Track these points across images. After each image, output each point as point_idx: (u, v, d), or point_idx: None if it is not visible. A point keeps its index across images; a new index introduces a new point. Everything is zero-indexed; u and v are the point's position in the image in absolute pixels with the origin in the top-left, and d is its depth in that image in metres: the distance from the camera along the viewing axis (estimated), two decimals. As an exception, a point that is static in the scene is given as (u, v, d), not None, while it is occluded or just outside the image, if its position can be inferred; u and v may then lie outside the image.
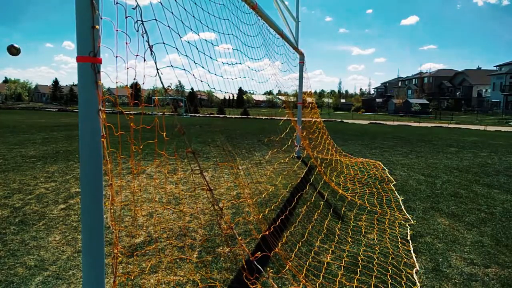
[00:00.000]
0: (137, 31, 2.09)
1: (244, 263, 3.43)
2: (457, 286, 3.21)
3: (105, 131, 2.08)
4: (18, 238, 4.07)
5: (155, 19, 2.23)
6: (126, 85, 2.20)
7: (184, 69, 2.69)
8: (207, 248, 3.90)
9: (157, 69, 2.19)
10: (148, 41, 2.12)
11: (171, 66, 2.49)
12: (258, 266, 2.90)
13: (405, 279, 3.30)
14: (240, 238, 3.96)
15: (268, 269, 3.43)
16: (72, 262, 3.49)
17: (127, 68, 2.22)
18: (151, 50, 2.13)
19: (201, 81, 3.07)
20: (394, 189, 6.72)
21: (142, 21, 2.09)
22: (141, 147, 2.76)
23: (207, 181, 2.67)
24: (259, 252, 3.15)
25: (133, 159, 3.05)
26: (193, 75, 2.84)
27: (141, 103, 2.66)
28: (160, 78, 2.21)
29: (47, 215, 4.83)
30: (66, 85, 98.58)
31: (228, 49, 4.22)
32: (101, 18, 2.01)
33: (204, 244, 4.00)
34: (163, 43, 2.35)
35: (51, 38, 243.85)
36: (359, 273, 3.40)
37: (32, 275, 3.25)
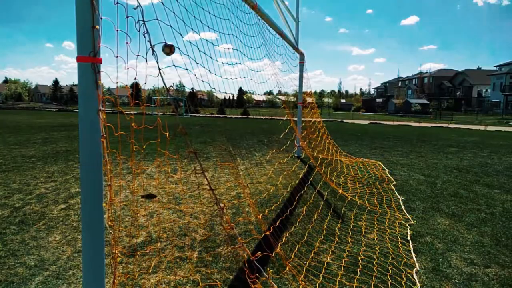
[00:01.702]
0: (139, 31, 2.09)
1: (245, 262, 3.43)
2: (457, 286, 3.21)
3: (105, 131, 2.08)
4: (18, 238, 4.07)
5: (157, 19, 2.23)
6: (126, 85, 2.20)
7: (186, 69, 2.69)
8: (207, 248, 3.90)
9: (159, 69, 2.19)
10: (150, 41, 2.12)
11: (174, 66, 2.48)
12: (258, 265, 2.90)
13: (405, 279, 3.30)
14: (240, 238, 3.96)
15: (268, 269, 3.43)
16: (72, 262, 3.49)
17: (127, 68, 2.22)
18: (152, 50, 2.13)
19: (203, 81, 3.07)
20: (394, 189, 6.72)
21: (143, 20, 2.08)
22: (144, 147, 2.76)
23: (209, 181, 2.67)
24: (260, 252, 3.15)
25: (133, 159, 3.05)
26: (195, 75, 2.84)
27: (142, 103, 2.66)
28: (162, 78, 2.21)
29: (47, 215, 4.83)
30: (66, 85, 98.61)
31: (228, 49, 4.22)
32: (101, 18, 2.01)
33: (204, 244, 4.00)
34: (165, 42, 2.35)
35: (51, 38, 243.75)
36: (359, 273, 3.40)
37: (32, 275, 3.25)
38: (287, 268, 3.34)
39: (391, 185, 7.03)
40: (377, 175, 7.89)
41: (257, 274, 3.06)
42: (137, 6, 2.05)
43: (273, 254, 3.68)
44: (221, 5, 3.90)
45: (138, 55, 2.17)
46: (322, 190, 6.52)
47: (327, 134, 11.25)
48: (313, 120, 11.10)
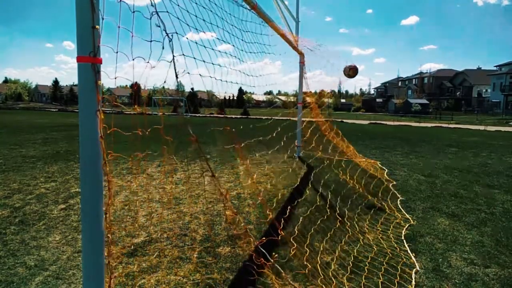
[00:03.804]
0: (150, 18, 2.15)
1: (252, 246, 3.44)
2: (457, 286, 3.21)
3: (104, 132, 2.08)
4: (18, 238, 4.07)
5: (167, 11, 2.29)
6: (127, 85, 2.21)
7: (194, 57, 2.72)
8: (207, 248, 3.90)
9: (174, 56, 2.24)
10: (165, 30, 2.18)
11: (183, 54, 2.51)
12: (263, 250, 2.91)
13: (405, 279, 3.30)
14: (243, 224, 3.96)
15: (273, 254, 3.43)
16: (72, 262, 3.49)
17: (133, 59, 2.23)
18: (169, 38, 2.19)
19: (217, 79, 3.07)
20: (394, 189, 6.72)
21: (157, 12, 2.14)
22: (145, 151, 2.76)
23: (210, 166, 2.67)
24: (264, 238, 3.16)
25: (135, 159, 3.05)
26: (205, 71, 2.83)
27: (144, 102, 2.66)
28: (174, 64, 2.27)
29: (47, 215, 4.83)
30: (66, 85, 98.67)
31: (228, 49, 4.22)
32: (103, 19, 2.01)
33: (204, 244, 4.00)
34: (176, 33, 2.37)
35: (51, 38, 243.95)
36: (359, 273, 3.40)
37: (32, 275, 3.25)
38: (293, 252, 3.33)
39: (391, 185, 7.03)
40: (377, 175, 7.89)
41: (262, 259, 3.05)
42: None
43: (279, 238, 3.68)
44: (221, 5, 3.90)
45: (151, 41, 2.20)
46: (322, 190, 6.52)
47: (329, 131, 11.22)
48: (325, 120, 11.07)
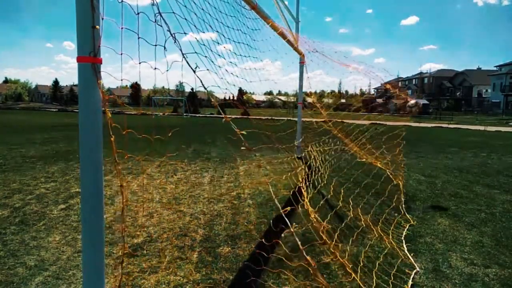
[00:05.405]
0: (155, 21, 2.17)
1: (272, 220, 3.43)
2: (457, 286, 3.21)
3: (113, 131, 2.08)
4: (18, 238, 4.07)
5: (173, 12, 2.29)
6: (126, 85, 2.22)
7: (211, 57, 2.73)
8: (207, 248, 3.90)
9: (183, 54, 2.30)
10: (169, 30, 2.21)
11: (195, 52, 2.54)
12: (286, 218, 2.91)
13: (405, 279, 3.30)
14: (243, 206, 3.96)
15: (293, 223, 3.43)
16: (72, 262, 3.49)
17: (139, 63, 2.25)
18: (174, 38, 2.21)
19: (227, 80, 3.07)
20: (394, 189, 6.71)
21: (160, 12, 2.16)
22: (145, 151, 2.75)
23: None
24: (288, 207, 3.14)
25: (139, 159, 3.05)
26: (205, 71, 2.83)
27: (146, 102, 2.68)
28: (187, 62, 2.31)
29: (47, 215, 4.83)
30: (66, 85, 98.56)
31: (228, 49, 4.22)
32: (102, 19, 2.01)
33: (204, 244, 4.00)
34: (184, 32, 2.39)
35: (51, 38, 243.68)
36: (359, 273, 3.39)
37: (32, 275, 3.25)
38: (307, 204, 3.31)
39: (391, 185, 7.02)
40: (377, 175, 7.88)
41: (282, 226, 3.04)
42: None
43: (298, 206, 3.67)
44: (220, 5, 3.90)
45: (156, 45, 2.23)
46: (323, 190, 6.52)
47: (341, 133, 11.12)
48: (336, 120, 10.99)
